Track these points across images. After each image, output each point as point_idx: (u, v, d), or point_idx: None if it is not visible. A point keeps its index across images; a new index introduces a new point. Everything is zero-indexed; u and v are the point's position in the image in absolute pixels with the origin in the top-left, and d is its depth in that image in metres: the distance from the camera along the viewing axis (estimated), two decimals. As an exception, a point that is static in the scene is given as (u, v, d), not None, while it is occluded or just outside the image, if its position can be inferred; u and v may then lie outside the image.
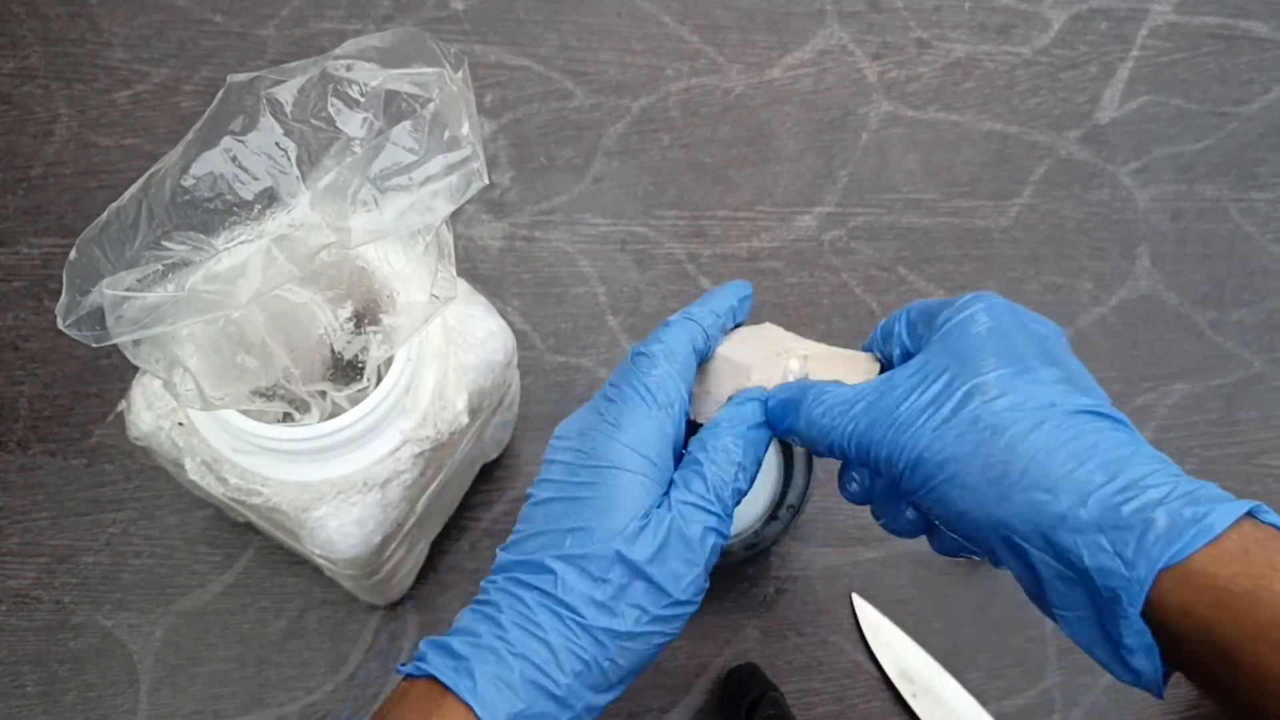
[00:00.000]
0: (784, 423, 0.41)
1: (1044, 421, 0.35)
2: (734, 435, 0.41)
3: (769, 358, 0.44)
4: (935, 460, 0.36)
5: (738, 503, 0.41)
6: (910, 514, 0.41)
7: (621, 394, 0.40)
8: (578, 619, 0.37)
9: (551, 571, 0.38)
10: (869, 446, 0.38)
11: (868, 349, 0.44)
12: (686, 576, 0.38)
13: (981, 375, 0.36)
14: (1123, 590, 0.32)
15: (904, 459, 0.37)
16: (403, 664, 0.38)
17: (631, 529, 0.38)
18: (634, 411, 0.40)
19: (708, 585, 0.40)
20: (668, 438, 0.40)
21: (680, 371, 0.41)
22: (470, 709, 0.35)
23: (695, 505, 0.39)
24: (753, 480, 0.42)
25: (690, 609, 0.39)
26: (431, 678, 0.37)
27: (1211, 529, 0.32)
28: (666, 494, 0.40)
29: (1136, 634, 0.33)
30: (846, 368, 0.43)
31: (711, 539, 0.39)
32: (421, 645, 0.38)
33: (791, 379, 0.43)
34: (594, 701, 0.38)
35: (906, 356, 0.41)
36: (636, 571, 0.38)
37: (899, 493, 0.39)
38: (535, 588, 0.38)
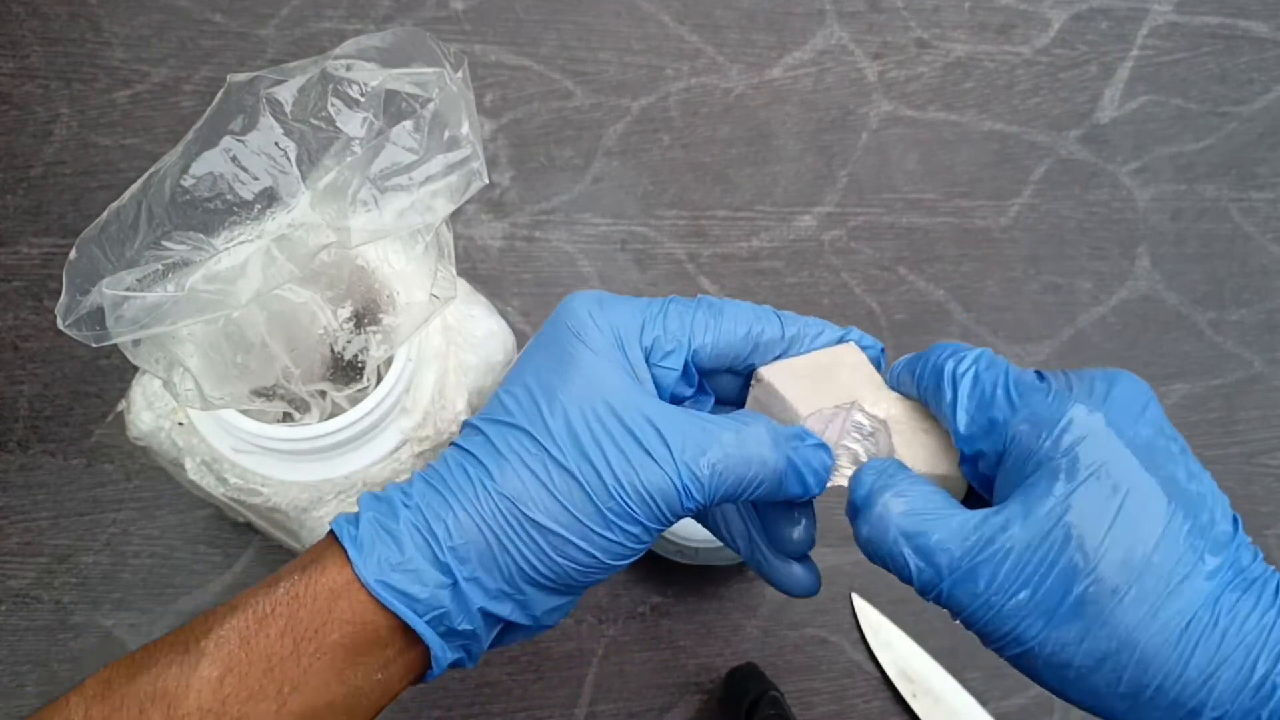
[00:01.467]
0: (858, 525, 0.36)
1: (1188, 625, 0.30)
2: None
3: (829, 407, 0.36)
4: (1045, 657, 0.32)
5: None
6: None
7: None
8: (486, 478, 0.34)
9: (480, 432, 0.35)
10: (959, 606, 0.33)
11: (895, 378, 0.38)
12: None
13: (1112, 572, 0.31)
14: None
15: (1011, 646, 0.33)
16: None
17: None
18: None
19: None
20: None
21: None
22: (346, 554, 0.34)
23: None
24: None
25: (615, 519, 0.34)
26: (332, 534, 0.36)
27: None
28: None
29: None
30: (924, 442, 0.36)
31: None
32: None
33: (857, 451, 0.36)
34: (487, 581, 0.34)
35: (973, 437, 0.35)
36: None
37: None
38: (457, 446, 0.36)
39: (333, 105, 0.39)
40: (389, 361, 0.45)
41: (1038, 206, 0.72)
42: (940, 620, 0.63)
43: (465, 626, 0.34)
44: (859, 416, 0.36)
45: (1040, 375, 0.34)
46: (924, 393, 0.37)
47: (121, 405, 0.48)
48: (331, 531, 0.36)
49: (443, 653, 0.35)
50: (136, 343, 0.39)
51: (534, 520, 0.34)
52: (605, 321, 0.36)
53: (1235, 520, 0.32)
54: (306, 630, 0.33)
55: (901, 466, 0.36)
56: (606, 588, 0.63)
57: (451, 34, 0.72)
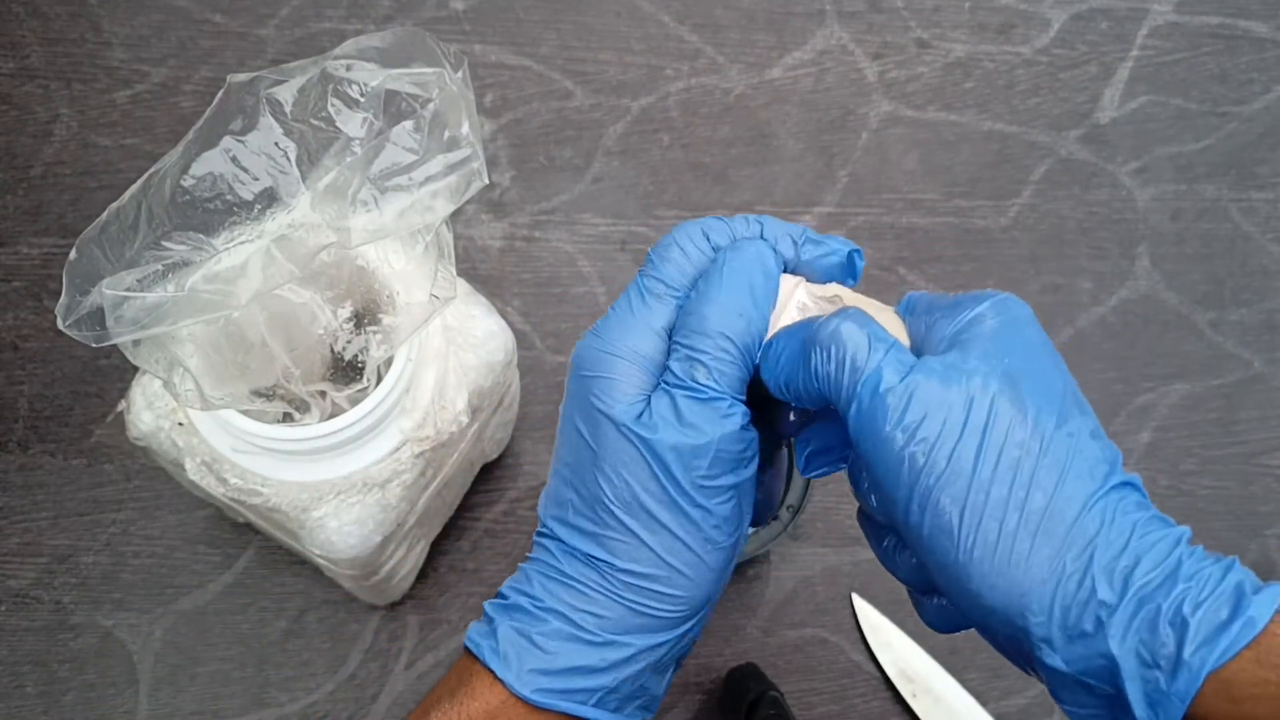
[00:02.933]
0: (787, 371, 0.34)
1: (1090, 507, 0.30)
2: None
3: (782, 319, 0.37)
4: (947, 509, 0.32)
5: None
6: (911, 560, 0.38)
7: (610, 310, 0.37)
8: (602, 565, 0.34)
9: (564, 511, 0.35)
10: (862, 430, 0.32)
11: None
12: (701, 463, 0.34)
13: (1025, 423, 0.31)
14: (1160, 707, 0.29)
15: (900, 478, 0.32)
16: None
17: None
18: (614, 316, 0.36)
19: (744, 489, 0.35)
20: (652, 330, 0.35)
21: (684, 260, 0.36)
22: (494, 673, 0.34)
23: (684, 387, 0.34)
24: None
25: (723, 514, 0.34)
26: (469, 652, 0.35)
27: (1254, 625, 0.28)
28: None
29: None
30: (882, 320, 0.36)
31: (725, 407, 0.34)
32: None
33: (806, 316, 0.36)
34: (642, 644, 0.35)
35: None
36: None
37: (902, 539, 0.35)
38: (553, 535, 0.35)
39: (333, 105, 0.39)
40: (389, 362, 0.45)
41: (1038, 206, 0.72)
42: (940, 620, 0.63)
43: (637, 686, 0.35)
44: (804, 297, 0.36)
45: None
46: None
47: (121, 405, 0.48)
48: (468, 649, 0.36)
49: None
50: (136, 343, 0.39)
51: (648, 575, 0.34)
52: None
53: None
54: None
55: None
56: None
57: (451, 34, 0.72)
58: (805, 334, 0.34)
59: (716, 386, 0.34)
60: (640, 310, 0.36)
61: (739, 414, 0.34)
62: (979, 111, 0.74)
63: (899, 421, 0.31)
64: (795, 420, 0.38)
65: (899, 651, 0.62)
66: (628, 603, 0.34)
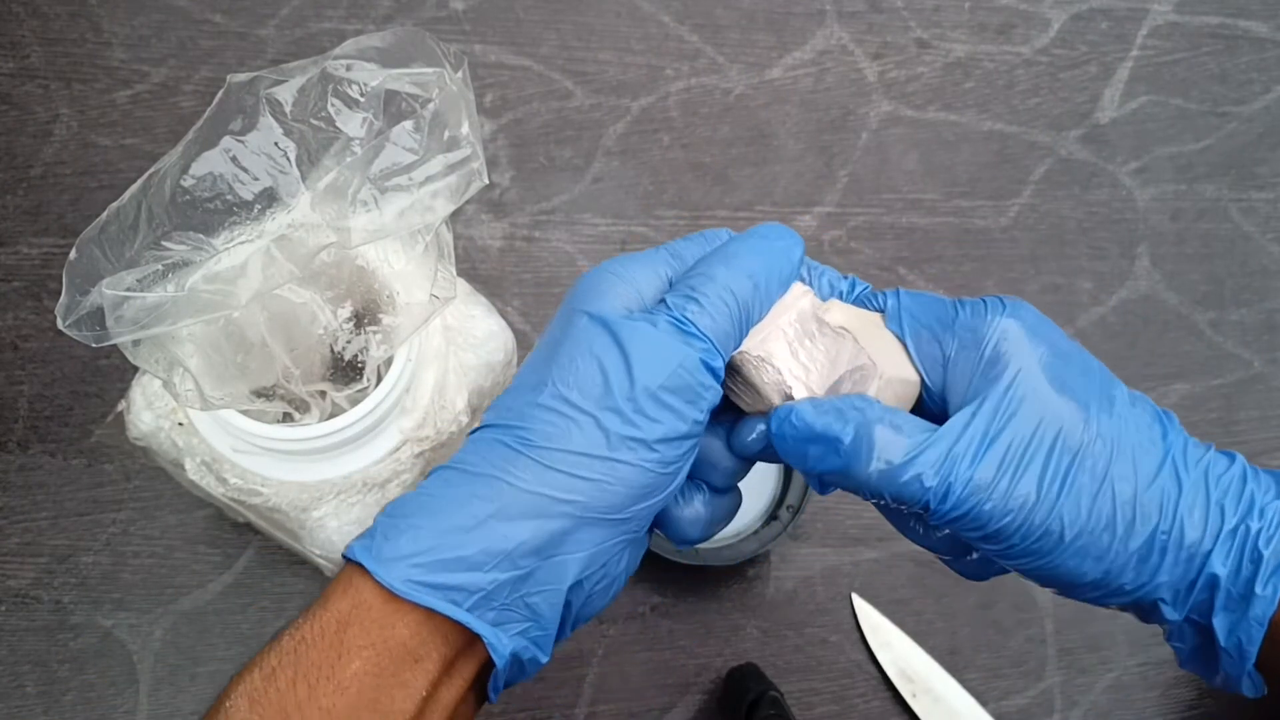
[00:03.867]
0: (821, 463, 0.34)
1: (1158, 474, 0.35)
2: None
3: (790, 325, 0.36)
4: (1056, 533, 0.34)
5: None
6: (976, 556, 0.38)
7: None
8: (510, 444, 0.33)
9: (490, 426, 0.34)
10: (959, 518, 0.34)
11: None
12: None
13: (1074, 431, 0.34)
14: (1241, 633, 0.33)
15: (1017, 534, 0.34)
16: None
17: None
18: (624, 256, 0.36)
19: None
20: (657, 274, 0.36)
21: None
22: (362, 566, 0.32)
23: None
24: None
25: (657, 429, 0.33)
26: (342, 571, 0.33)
27: None
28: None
29: (1249, 677, 0.34)
30: (888, 348, 0.37)
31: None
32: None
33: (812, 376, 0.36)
34: (524, 538, 0.32)
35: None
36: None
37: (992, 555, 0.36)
38: (484, 444, 0.34)
39: (333, 105, 0.39)
40: (389, 361, 0.45)
41: (1038, 206, 0.72)
42: (940, 620, 0.63)
43: (520, 599, 0.32)
44: (806, 306, 0.36)
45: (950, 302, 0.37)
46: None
47: (121, 405, 0.48)
48: (344, 564, 0.34)
49: (498, 640, 0.32)
50: (136, 343, 0.39)
51: (574, 453, 0.32)
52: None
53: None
54: (320, 670, 0.31)
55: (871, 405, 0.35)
56: (606, 588, 0.63)
57: (451, 34, 0.72)
58: (830, 438, 0.34)
59: (701, 329, 0.34)
60: (651, 258, 0.36)
61: (715, 361, 0.34)
62: (979, 111, 0.74)
63: (969, 507, 0.33)
64: (756, 444, 0.37)
65: (899, 651, 0.62)
66: (523, 487, 0.32)
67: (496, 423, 0.34)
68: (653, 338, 0.33)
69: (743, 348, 0.36)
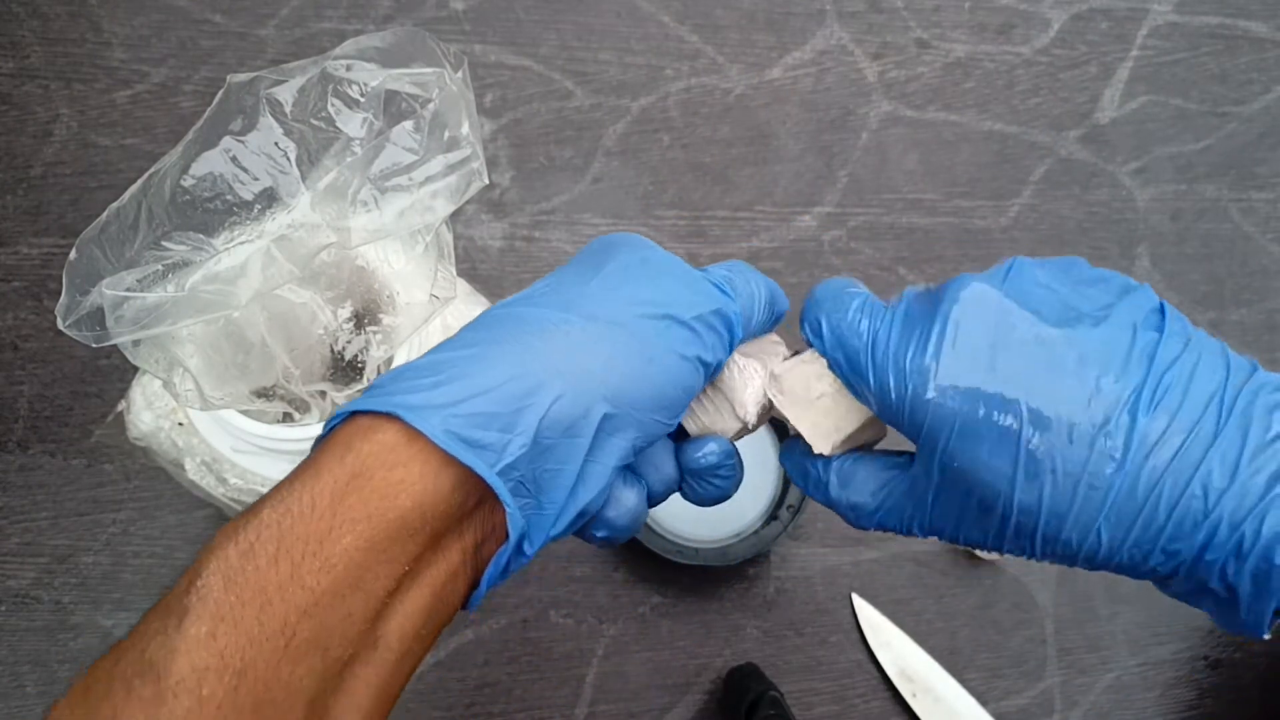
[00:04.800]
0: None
1: (1194, 434, 0.30)
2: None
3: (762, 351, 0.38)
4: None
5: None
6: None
7: None
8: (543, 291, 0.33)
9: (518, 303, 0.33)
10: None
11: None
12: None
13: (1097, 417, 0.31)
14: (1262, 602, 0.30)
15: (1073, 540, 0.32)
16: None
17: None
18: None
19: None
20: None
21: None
22: (397, 420, 0.30)
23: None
24: None
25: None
26: (354, 415, 0.31)
27: None
28: None
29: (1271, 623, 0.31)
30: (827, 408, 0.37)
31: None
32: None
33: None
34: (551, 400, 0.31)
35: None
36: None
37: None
38: (513, 318, 0.33)
39: (333, 105, 0.39)
40: (389, 362, 0.45)
41: (1038, 206, 0.72)
42: (940, 620, 0.63)
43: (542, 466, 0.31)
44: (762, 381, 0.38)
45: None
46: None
47: (121, 405, 0.48)
48: (333, 423, 0.31)
49: (517, 512, 0.30)
50: (136, 343, 0.39)
51: (621, 326, 0.32)
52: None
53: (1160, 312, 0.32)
54: (306, 545, 0.28)
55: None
56: (606, 587, 0.63)
57: (451, 34, 0.72)
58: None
59: (734, 296, 0.36)
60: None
61: (737, 329, 0.36)
62: (979, 111, 0.74)
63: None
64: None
65: (899, 651, 0.62)
66: (565, 356, 0.31)
67: (533, 298, 0.33)
68: (698, 281, 0.35)
69: (740, 350, 0.37)
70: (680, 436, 0.38)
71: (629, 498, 0.36)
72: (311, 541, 0.28)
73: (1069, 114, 0.74)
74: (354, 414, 0.31)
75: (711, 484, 0.37)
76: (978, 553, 0.64)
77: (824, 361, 0.36)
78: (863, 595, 0.63)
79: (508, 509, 0.30)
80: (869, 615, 0.63)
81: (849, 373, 0.35)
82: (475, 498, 0.31)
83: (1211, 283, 0.72)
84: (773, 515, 0.60)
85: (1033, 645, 0.63)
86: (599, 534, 0.36)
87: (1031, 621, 0.64)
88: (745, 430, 0.37)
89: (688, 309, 0.34)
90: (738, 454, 0.38)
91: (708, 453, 0.37)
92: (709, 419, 0.38)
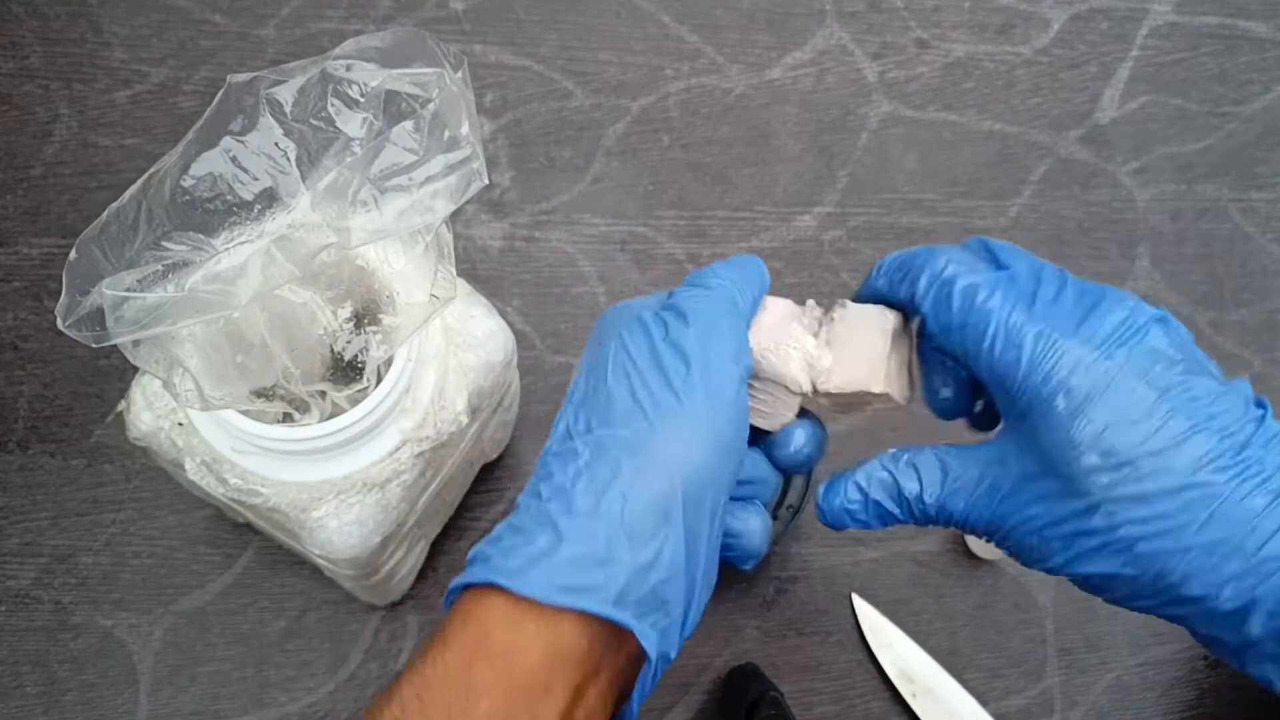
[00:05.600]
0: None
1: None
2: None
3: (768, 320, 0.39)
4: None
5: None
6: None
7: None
8: (585, 432, 0.33)
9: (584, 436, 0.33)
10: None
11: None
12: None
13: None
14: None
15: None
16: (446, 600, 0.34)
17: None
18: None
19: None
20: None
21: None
22: (504, 589, 0.31)
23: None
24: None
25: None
26: (468, 587, 0.32)
27: None
28: None
29: None
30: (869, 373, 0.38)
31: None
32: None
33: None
34: (642, 557, 0.31)
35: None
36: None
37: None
38: (567, 455, 0.33)
39: (333, 105, 0.39)
40: (389, 362, 0.45)
41: (1038, 207, 0.72)
42: (940, 620, 0.63)
43: (658, 584, 0.31)
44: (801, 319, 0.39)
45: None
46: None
47: (121, 405, 0.48)
48: (450, 598, 0.32)
49: (647, 634, 0.31)
50: (136, 343, 0.39)
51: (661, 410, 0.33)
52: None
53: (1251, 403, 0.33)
54: (447, 714, 0.29)
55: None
56: (606, 588, 0.63)
57: (451, 34, 0.72)
58: None
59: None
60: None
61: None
62: (979, 111, 0.74)
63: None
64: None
65: (899, 651, 0.62)
66: (627, 460, 0.32)
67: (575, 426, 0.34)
68: (708, 328, 0.35)
69: (755, 344, 0.38)
70: (756, 436, 0.38)
71: (750, 521, 0.37)
72: (452, 710, 0.29)
73: (1069, 114, 0.74)
74: (467, 586, 0.32)
75: (806, 460, 0.39)
76: (978, 553, 0.64)
77: (852, 319, 0.38)
78: (863, 595, 0.63)
79: (638, 634, 0.31)
80: (869, 615, 0.63)
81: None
82: (603, 632, 0.31)
83: (1211, 283, 0.72)
84: (772, 515, 0.60)
85: (1033, 645, 0.63)
86: (746, 566, 0.38)
87: (1031, 621, 0.64)
88: (806, 399, 0.38)
89: (720, 362, 0.34)
90: (814, 422, 0.39)
91: (798, 447, 0.38)
92: (771, 408, 0.39)
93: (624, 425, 0.33)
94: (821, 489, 0.38)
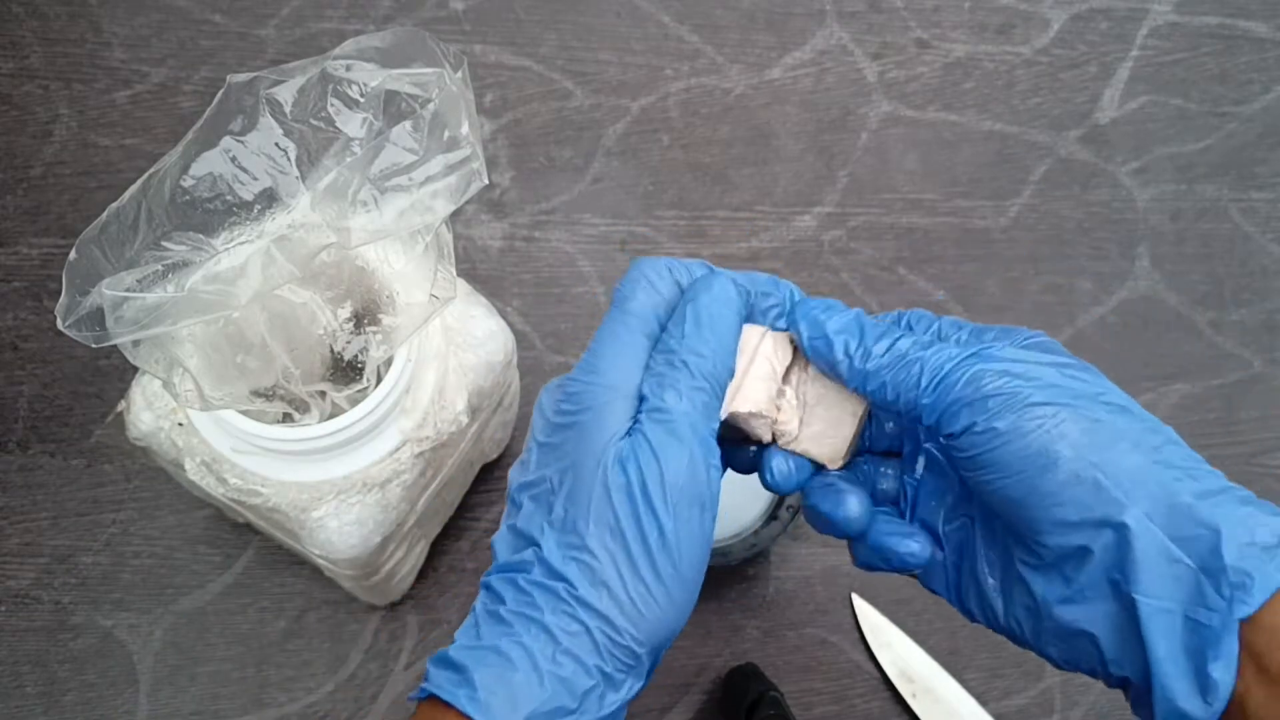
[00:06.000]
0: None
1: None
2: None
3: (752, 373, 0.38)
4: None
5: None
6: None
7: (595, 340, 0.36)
8: (569, 589, 0.33)
9: (536, 542, 0.34)
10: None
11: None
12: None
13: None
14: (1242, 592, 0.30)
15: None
16: (412, 694, 0.35)
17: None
18: (606, 340, 0.36)
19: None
20: (640, 349, 0.36)
21: (653, 288, 0.37)
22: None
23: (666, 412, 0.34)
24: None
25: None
26: (435, 697, 0.33)
27: None
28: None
29: (1226, 657, 0.30)
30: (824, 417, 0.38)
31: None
32: (427, 664, 0.35)
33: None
34: (610, 696, 0.34)
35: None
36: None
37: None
38: (524, 565, 0.34)
39: (332, 105, 0.39)
40: (389, 362, 0.45)
41: (1038, 206, 0.72)
42: (940, 620, 0.63)
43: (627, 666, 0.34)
44: (769, 349, 0.38)
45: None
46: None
47: (121, 405, 0.48)
48: (438, 698, 0.33)
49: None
50: (136, 343, 0.39)
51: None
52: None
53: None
54: None
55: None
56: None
57: (451, 34, 0.72)
58: None
59: (684, 415, 0.34)
60: (624, 342, 0.36)
61: (707, 444, 0.35)
62: (979, 111, 0.74)
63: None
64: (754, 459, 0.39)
65: (899, 651, 0.62)
66: (596, 630, 0.33)
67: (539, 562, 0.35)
68: (653, 460, 0.34)
69: (730, 409, 0.37)
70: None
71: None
72: None
73: (1069, 114, 0.74)
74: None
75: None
76: None
77: (823, 388, 0.38)
78: (863, 595, 0.63)
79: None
80: (869, 615, 0.63)
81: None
82: None
83: (1211, 283, 0.72)
84: (772, 515, 0.60)
85: (1033, 645, 0.64)
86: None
87: (1031, 621, 0.64)
88: (779, 424, 0.38)
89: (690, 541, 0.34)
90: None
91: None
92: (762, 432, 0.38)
93: (593, 588, 0.34)
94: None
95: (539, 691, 0.33)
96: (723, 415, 0.36)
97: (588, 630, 0.33)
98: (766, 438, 0.38)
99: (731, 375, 0.36)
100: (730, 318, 0.36)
